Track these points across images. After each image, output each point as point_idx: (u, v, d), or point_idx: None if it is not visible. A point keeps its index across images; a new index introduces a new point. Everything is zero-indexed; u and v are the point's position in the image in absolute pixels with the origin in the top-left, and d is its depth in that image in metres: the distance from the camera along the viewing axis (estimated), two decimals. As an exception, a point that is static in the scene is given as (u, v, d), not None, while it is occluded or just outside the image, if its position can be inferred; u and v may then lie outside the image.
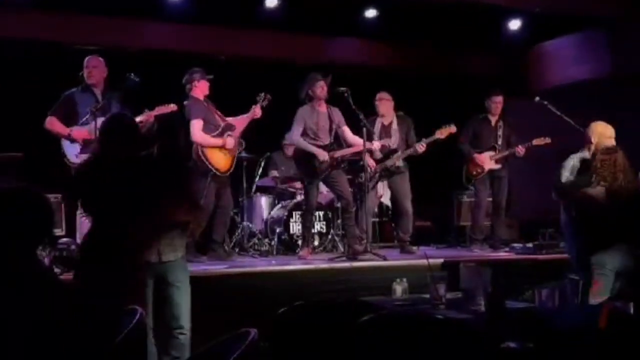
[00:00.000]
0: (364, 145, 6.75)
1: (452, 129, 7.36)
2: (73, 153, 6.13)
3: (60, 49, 8.07)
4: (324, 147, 6.84)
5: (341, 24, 8.89)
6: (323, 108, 6.93)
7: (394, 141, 7.42)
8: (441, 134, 7.31)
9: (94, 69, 6.27)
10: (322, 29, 9.01)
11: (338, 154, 6.88)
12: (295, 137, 6.93)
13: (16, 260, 2.42)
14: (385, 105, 7.52)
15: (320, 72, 6.99)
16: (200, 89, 6.72)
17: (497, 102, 7.76)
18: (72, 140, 6.08)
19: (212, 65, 8.82)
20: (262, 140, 8.07)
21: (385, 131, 7.47)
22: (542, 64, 10.05)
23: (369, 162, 7.05)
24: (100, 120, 5.99)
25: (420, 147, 7.31)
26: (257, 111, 6.73)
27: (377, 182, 7.49)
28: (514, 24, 9.20)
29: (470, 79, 9.53)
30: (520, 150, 7.53)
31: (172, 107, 6.43)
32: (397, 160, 7.39)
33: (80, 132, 6.09)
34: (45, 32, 7.98)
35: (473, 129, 7.84)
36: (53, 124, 6.18)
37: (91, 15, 8.07)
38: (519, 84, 9.88)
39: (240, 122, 6.78)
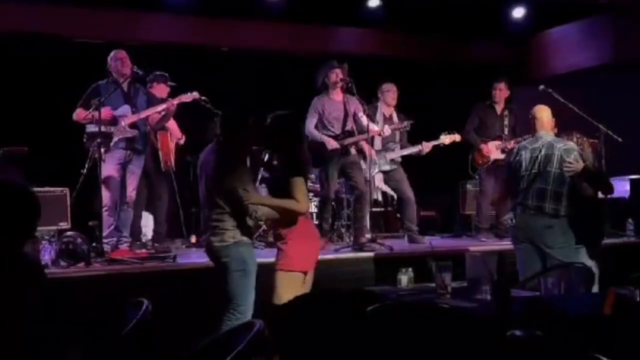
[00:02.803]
0: (368, 133, 6.72)
1: (456, 137, 7.47)
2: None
3: (61, 43, 8.07)
4: (335, 137, 6.82)
5: (344, 14, 8.87)
6: (339, 97, 6.88)
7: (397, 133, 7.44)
8: (446, 139, 7.43)
9: (126, 60, 6.32)
10: (325, 19, 8.99)
11: (347, 141, 6.86)
12: (308, 128, 6.90)
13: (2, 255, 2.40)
14: (394, 96, 7.52)
15: (320, 64, 6.97)
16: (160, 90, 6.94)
17: (498, 89, 7.76)
18: (97, 120, 6.00)
19: (214, 56, 8.84)
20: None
21: (388, 122, 7.45)
22: (546, 52, 10.02)
23: (367, 149, 7.01)
24: (105, 110, 6.06)
25: (427, 147, 7.37)
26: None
27: (376, 172, 7.47)
28: (518, 12, 9.18)
29: (474, 67, 9.52)
30: None
31: (195, 95, 6.50)
32: (398, 155, 7.41)
33: (107, 111, 6.12)
34: (46, 25, 7.98)
35: (478, 116, 7.83)
36: (80, 114, 6.21)
37: (92, 8, 8.07)
38: (522, 71, 9.87)
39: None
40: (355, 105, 6.88)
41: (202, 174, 4.60)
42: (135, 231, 6.73)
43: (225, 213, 4.41)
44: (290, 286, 4.38)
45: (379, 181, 7.90)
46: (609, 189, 5.52)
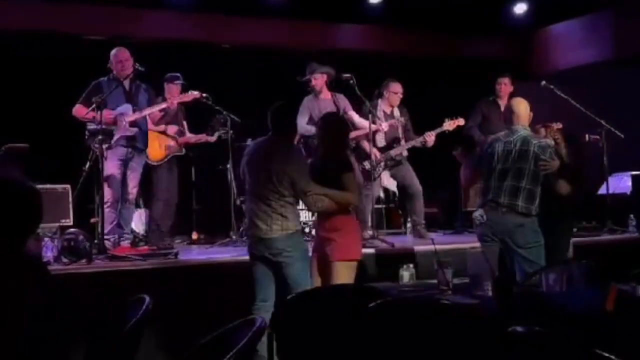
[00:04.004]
0: (370, 129, 6.71)
1: (460, 121, 7.31)
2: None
3: (61, 40, 8.06)
4: None
5: (344, 11, 8.86)
6: (327, 95, 6.96)
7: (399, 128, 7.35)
8: (449, 125, 7.24)
9: (127, 62, 6.30)
10: (326, 16, 8.99)
11: None
12: (301, 124, 6.86)
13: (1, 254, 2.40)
14: (399, 97, 7.38)
15: (322, 60, 6.98)
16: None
17: (502, 84, 7.73)
18: (99, 122, 5.98)
19: (216, 53, 8.83)
20: (267, 129, 8.06)
21: (389, 118, 7.40)
22: (547, 48, 10.01)
23: (374, 152, 6.99)
24: (106, 112, 6.06)
25: (430, 136, 7.24)
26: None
27: (382, 172, 7.39)
28: (520, 8, 9.17)
29: (476, 64, 9.51)
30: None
31: (195, 94, 6.52)
32: (404, 150, 7.28)
33: (107, 113, 6.10)
34: (47, 22, 7.98)
35: (482, 113, 7.79)
36: (80, 110, 6.19)
37: (94, 5, 8.07)
38: (524, 68, 9.86)
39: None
40: (344, 102, 6.94)
41: (252, 166, 4.67)
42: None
43: (288, 203, 4.55)
44: (350, 275, 4.59)
45: (385, 178, 7.86)
46: (579, 190, 5.42)
